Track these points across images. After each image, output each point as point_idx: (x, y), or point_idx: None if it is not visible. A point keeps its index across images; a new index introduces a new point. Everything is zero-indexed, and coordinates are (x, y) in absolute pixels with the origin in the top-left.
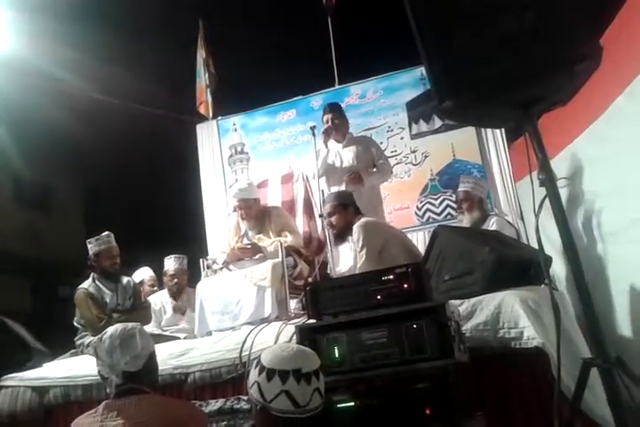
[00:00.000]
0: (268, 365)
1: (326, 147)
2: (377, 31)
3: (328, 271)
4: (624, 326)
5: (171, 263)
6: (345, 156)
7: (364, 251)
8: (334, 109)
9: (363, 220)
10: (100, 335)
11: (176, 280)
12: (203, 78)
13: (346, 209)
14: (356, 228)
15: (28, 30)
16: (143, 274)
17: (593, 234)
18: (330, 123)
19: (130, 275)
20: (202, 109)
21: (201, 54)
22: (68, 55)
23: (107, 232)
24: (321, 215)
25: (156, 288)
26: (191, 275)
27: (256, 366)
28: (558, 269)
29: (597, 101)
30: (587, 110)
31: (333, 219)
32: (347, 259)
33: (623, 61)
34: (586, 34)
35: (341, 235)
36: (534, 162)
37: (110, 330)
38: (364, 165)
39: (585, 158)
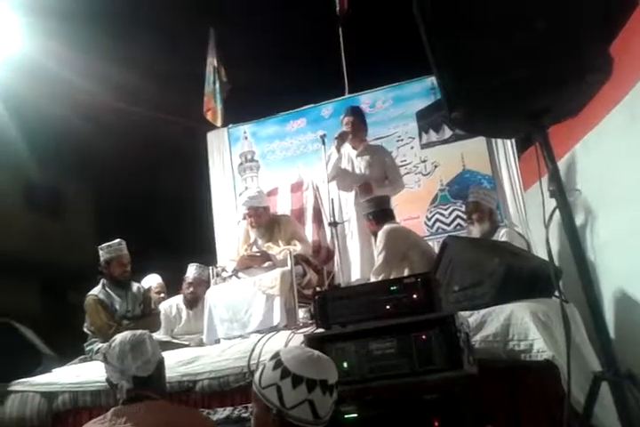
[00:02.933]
0: (295, 370)
1: (338, 152)
2: (387, 41)
3: (337, 281)
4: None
5: (191, 271)
6: (357, 164)
7: (382, 255)
8: (356, 113)
9: (388, 226)
10: (109, 342)
11: (192, 289)
12: (211, 85)
13: (370, 218)
14: (380, 233)
15: (42, 35)
16: (151, 281)
17: (585, 245)
18: (349, 125)
19: (139, 281)
20: (209, 116)
21: (211, 62)
22: (80, 60)
23: (118, 240)
24: (330, 224)
25: (163, 295)
26: None
27: (276, 368)
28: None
29: (593, 113)
30: (582, 121)
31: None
32: (356, 267)
33: (620, 73)
34: (596, 45)
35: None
36: (544, 168)
37: (119, 337)
38: (377, 175)
39: (579, 170)
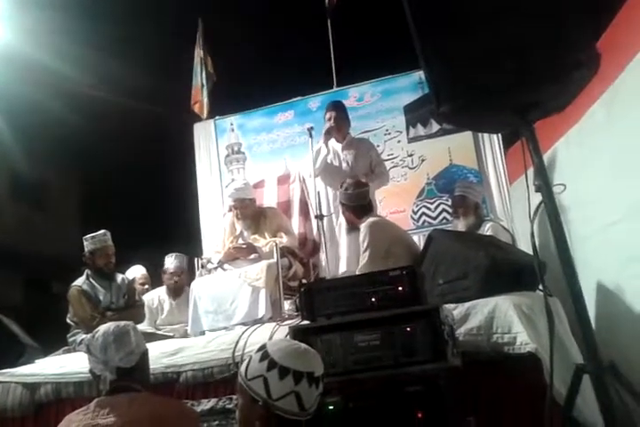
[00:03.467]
0: (282, 362)
1: (326, 147)
2: (376, 34)
3: (323, 273)
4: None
5: (171, 261)
6: (344, 157)
7: (367, 253)
8: (337, 108)
9: (370, 220)
10: (92, 333)
11: (175, 279)
12: (199, 77)
13: (348, 211)
14: (363, 228)
15: (27, 24)
16: (135, 272)
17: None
18: (332, 120)
19: (123, 273)
20: (197, 109)
21: (198, 53)
22: (66, 49)
23: (103, 231)
24: (316, 216)
25: (147, 286)
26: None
27: (263, 359)
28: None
29: (574, 108)
30: (566, 117)
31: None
32: (343, 260)
33: (600, 69)
34: (584, 40)
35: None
36: (529, 161)
37: (103, 328)
38: (363, 169)
39: (561, 165)
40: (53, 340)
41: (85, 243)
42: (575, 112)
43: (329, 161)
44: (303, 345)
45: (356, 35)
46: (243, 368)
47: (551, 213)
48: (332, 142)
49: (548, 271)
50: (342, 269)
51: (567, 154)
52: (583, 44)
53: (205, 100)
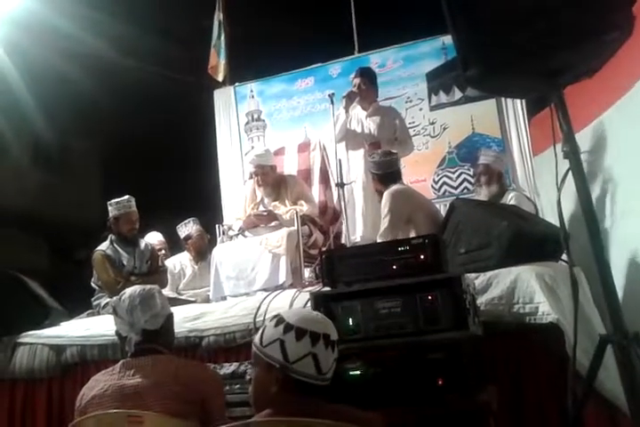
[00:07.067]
0: (298, 324)
1: (346, 112)
2: None
3: (343, 241)
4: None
5: (190, 226)
6: (367, 125)
7: (387, 218)
8: (364, 74)
9: (393, 188)
10: (119, 295)
11: (205, 240)
12: (215, 40)
13: (375, 179)
14: (385, 195)
15: None
16: (152, 238)
17: (604, 212)
18: (357, 87)
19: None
20: (212, 73)
21: (218, 16)
22: (87, 13)
23: (127, 196)
24: (337, 184)
25: (164, 252)
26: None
27: (278, 324)
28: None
29: (626, 75)
30: (614, 84)
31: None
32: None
33: None
34: (618, 2)
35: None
36: (559, 134)
37: (129, 290)
38: (386, 137)
39: (609, 135)
40: (77, 304)
41: (110, 208)
42: (628, 78)
43: (352, 128)
44: (316, 312)
45: None
46: (257, 338)
47: (579, 181)
48: (357, 110)
49: (573, 242)
50: (359, 235)
51: (619, 124)
52: (618, 5)
53: (223, 63)
